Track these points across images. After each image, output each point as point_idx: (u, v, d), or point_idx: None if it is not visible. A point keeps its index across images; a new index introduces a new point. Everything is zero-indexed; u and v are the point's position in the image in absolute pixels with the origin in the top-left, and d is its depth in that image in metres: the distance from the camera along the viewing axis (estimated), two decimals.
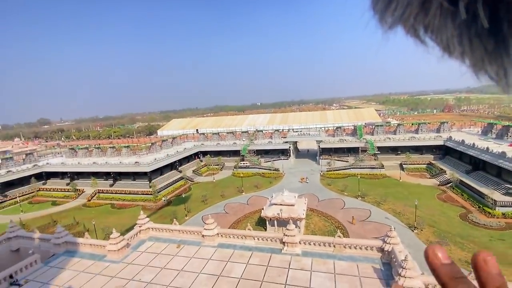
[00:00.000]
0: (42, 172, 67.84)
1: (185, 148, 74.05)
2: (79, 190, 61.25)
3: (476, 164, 49.69)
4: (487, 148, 46.11)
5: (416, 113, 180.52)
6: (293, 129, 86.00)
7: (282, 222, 32.56)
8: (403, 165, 60.73)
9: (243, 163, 70.31)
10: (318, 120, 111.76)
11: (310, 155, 79.22)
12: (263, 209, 36.31)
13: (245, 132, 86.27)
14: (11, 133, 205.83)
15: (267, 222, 35.11)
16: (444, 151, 61.35)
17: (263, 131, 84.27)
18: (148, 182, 58.31)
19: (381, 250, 19.71)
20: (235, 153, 75.25)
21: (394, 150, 66.46)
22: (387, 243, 19.33)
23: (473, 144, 50.26)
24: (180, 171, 67.28)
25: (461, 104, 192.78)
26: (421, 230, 33.92)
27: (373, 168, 60.32)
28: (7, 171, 62.54)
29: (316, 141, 71.14)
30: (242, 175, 62.49)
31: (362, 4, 0.80)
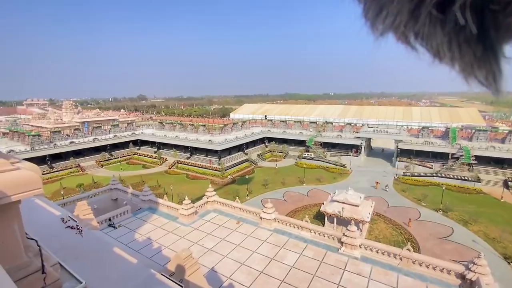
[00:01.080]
0: (138, 139, 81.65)
1: (252, 133, 77.02)
2: (163, 158, 71.49)
3: None
4: None
5: None
6: (368, 124, 78.73)
7: (343, 221, 30.93)
8: (509, 182, 48.84)
9: (308, 154, 68.81)
10: (400, 117, 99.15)
11: (384, 155, 71.70)
12: (323, 203, 35.11)
13: (313, 122, 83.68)
14: (119, 105, 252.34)
15: (326, 218, 33.92)
16: None
17: (333, 124, 80.00)
18: (217, 160, 63.53)
19: (461, 276, 16.70)
20: (300, 142, 74.15)
21: (499, 162, 53.85)
22: (471, 271, 16.23)
23: None
24: (246, 154, 70.69)
25: None
26: None
27: (465, 180, 50.46)
28: (114, 136, 77.54)
29: (395, 140, 63.62)
30: (305, 166, 61.49)
31: (354, 11, 0.82)
